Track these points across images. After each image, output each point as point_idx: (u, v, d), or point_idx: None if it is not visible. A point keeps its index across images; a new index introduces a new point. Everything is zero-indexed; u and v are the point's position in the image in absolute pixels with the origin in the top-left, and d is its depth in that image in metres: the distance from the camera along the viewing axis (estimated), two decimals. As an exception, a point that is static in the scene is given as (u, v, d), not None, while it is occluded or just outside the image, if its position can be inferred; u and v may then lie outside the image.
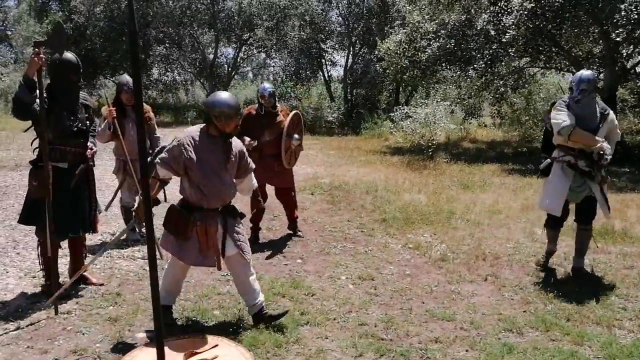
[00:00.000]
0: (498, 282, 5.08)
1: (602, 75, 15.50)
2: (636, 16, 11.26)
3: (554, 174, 5.11)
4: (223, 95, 3.85)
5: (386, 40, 17.98)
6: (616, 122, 5.10)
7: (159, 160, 3.69)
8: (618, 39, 13.18)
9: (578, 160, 4.98)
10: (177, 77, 29.50)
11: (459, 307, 4.50)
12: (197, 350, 3.48)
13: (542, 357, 3.60)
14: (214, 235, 3.74)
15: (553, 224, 5.32)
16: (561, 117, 4.89)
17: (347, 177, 10.63)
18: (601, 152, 4.81)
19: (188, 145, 3.69)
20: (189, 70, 28.80)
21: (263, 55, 29.70)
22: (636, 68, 15.51)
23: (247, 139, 5.86)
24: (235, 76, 30.70)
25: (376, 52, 19.04)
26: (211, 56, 27.58)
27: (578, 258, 5.26)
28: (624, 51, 14.50)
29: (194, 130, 3.81)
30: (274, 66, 30.28)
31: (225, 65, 29.32)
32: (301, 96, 24.28)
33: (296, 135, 6.07)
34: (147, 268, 5.14)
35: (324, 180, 10.10)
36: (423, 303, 4.60)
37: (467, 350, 3.74)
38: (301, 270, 5.38)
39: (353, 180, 10.26)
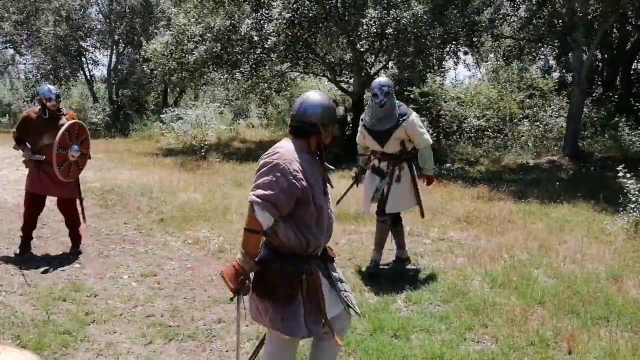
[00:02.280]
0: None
1: (352, 80, 17.54)
2: (375, 30, 13.07)
3: (366, 178, 5.56)
4: (322, 95, 2.86)
5: (152, 41, 17.79)
6: (417, 126, 5.17)
7: (259, 200, 2.54)
8: (362, 49, 15.10)
9: (381, 162, 5.37)
10: None
11: (238, 291, 4.96)
12: (-25, 362, 3.35)
13: (309, 321, 4.24)
14: (320, 290, 2.74)
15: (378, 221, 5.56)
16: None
17: (120, 180, 10.42)
18: None
19: (297, 171, 2.60)
20: None
21: (11, 51, 26.83)
22: (379, 74, 17.86)
23: (36, 155, 5.60)
24: (-25, 74, 27.23)
25: (142, 52, 18.69)
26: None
27: (398, 249, 5.77)
28: (368, 59, 16.63)
29: (289, 147, 2.69)
30: (25, 64, 27.52)
31: (-37, 62, 25.83)
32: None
33: (75, 146, 5.66)
34: None
35: (94, 184, 9.78)
36: (205, 291, 4.97)
37: (247, 326, 4.21)
38: (80, 274, 5.32)
39: (126, 183, 10.11)
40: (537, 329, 4.13)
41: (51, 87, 5.85)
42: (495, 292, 4.94)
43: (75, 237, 6.05)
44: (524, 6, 14.47)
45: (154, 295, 4.82)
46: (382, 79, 5.39)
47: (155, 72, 17.29)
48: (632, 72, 19.70)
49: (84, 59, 24.64)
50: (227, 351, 3.82)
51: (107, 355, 3.71)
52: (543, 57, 19.88)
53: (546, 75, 20.35)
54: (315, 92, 2.88)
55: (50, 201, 6.16)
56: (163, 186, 9.86)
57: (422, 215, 5.74)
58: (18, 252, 5.81)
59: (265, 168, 2.61)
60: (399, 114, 5.14)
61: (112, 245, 6.35)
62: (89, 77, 25.00)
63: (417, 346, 3.86)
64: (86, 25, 23.94)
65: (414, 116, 5.20)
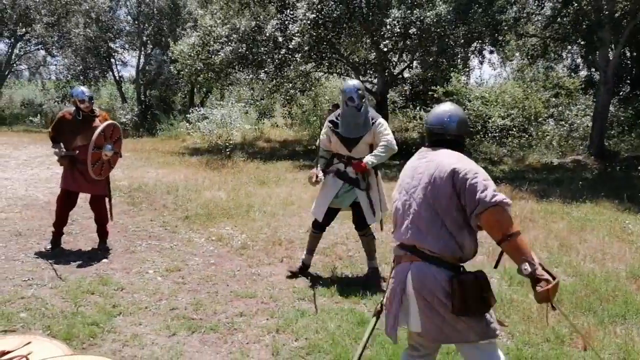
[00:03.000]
0: (292, 262, 5.78)
1: (375, 79, 17.61)
2: (399, 30, 13.11)
3: (326, 182, 5.17)
4: (458, 107, 2.95)
5: (179, 42, 18.10)
6: (383, 129, 5.05)
7: (508, 201, 2.48)
8: (386, 49, 15.15)
9: (347, 167, 5.11)
10: None
11: (259, 286, 5.10)
12: (9, 349, 3.52)
13: (328, 316, 4.36)
14: None
15: (315, 228, 5.35)
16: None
17: (147, 178, 10.68)
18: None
19: None
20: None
21: (43, 52, 27.55)
22: (403, 74, 17.89)
23: (61, 149, 5.79)
24: (9, 75, 27.89)
25: (170, 53, 19.02)
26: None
27: (369, 260, 5.41)
28: (392, 59, 16.67)
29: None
30: (56, 64, 28.18)
31: (-5, 63, 26.50)
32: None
33: (109, 146, 5.84)
34: None
35: (122, 182, 10.03)
36: (228, 286, 5.11)
37: (267, 319, 4.35)
38: (108, 269, 5.51)
39: (153, 181, 10.36)
40: (554, 326, 4.16)
41: (84, 89, 6.02)
42: (513, 289, 4.98)
43: (103, 234, 6.26)
44: (549, 4, 14.33)
45: (178, 289, 4.98)
46: (354, 81, 5.21)
47: (182, 72, 17.59)
48: (661, 70, 19.35)
49: (113, 60, 25.19)
50: (247, 343, 3.95)
51: (132, 346, 3.87)
52: (570, 55, 19.65)
53: (573, 74, 20.10)
54: (452, 104, 2.92)
55: (80, 198, 6.38)
56: (188, 184, 10.07)
57: (381, 228, 5.44)
58: (49, 247, 6.03)
59: (479, 172, 2.54)
60: (372, 118, 5.05)
61: (139, 241, 6.54)
62: (117, 78, 25.52)
63: (432, 341, 3.93)
64: (115, 27, 24.47)
65: (382, 119, 5.14)
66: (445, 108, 2.86)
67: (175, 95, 25.12)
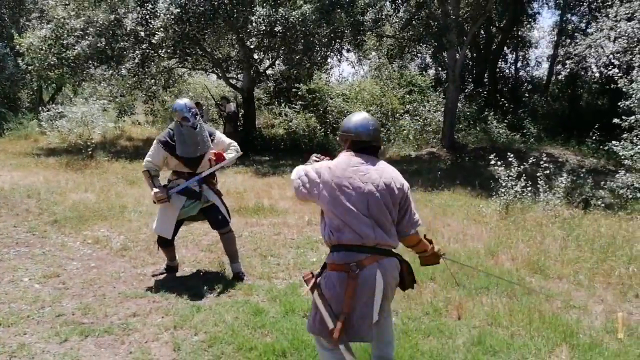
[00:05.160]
0: (178, 260, 5.74)
1: (240, 76, 17.68)
2: (264, 27, 13.30)
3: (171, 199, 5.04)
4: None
5: (28, 34, 16.70)
6: (225, 139, 5.26)
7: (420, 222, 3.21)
8: (252, 46, 15.28)
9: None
10: None
11: (148, 286, 5.03)
12: None
13: (223, 309, 4.45)
14: None
15: (165, 244, 5.23)
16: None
17: (0, 182, 9.84)
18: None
19: None
20: None
21: None
22: (267, 71, 18.11)
23: None
24: None
25: (17, 46, 17.46)
26: None
27: (233, 263, 5.31)
28: (256, 56, 16.82)
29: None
30: None
31: None
32: None
33: None
34: None
35: (-28, 187, 9.18)
36: (114, 288, 4.98)
37: (162, 317, 4.33)
38: (-26, 280, 5.10)
39: (8, 185, 9.57)
40: (431, 301, 4.63)
41: None
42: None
43: None
44: (404, 8, 15.38)
45: (61, 295, 4.75)
46: (185, 100, 5.10)
47: (31, 67, 16.24)
48: (497, 70, 21.61)
49: (-58, 52, 22.49)
50: (146, 342, 3.91)
51: (21, 357, 3.67)
52: (420, 55, 21.18)
53: (423, 72, 21.74)
54: (367, 114, 3.14)
55: None
56: (50, 187, 9.45)
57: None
58: None
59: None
60: (209, 134, 5.14)
61: (5, 249, 6.08)
62: (-50, 72, 22.87)
63: (327, 323, 4.18)
64: (-56, 16, 21.87)
65: (218, 132, 5.28)
66: (366, 116, 3.07)
67: (21, 91, 23.08)
